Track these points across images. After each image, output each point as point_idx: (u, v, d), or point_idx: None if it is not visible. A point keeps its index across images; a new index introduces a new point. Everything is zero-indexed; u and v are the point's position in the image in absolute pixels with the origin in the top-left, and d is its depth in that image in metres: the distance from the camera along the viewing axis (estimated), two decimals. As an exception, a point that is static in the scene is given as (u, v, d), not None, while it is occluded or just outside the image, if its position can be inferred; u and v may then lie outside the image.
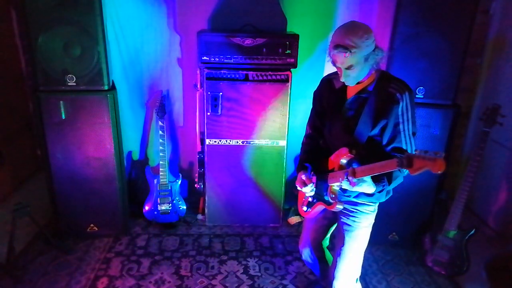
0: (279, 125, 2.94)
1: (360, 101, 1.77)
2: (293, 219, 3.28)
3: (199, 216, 3.32)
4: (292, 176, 3.39)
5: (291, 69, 2.83)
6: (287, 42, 2.75)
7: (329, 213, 1.99)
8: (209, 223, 3.23)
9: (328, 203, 1.84)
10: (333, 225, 2.10)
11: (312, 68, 3.16)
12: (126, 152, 3.28)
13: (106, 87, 2.64)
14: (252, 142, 2.98)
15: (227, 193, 3.12)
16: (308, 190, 1.91)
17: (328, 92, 1.91)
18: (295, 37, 2.77)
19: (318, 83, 2.00)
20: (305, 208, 2.01)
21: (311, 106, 2.05)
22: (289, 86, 2.83)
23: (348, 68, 1.67)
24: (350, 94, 1.81)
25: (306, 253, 2.22)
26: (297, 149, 3.32)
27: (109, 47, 2.71)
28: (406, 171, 1.58)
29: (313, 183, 1.89)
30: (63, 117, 2.64)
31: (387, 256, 2.87)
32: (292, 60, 2.79)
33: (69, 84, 2.58)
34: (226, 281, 2.61)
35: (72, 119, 2.66)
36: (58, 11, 2.42)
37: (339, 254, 1.97)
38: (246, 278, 2.65)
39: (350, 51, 1.60)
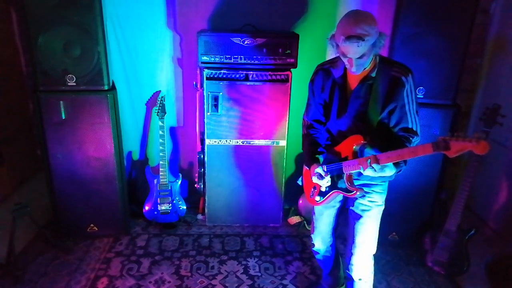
0: (279, 125, 2.94)
1: (366, 88, 1.80)
2: (293, 219, 3.28)
3: (199, 216, 3.32)
4: (292, 176, 3.39)
5: (291, 69, 2.83)
6: (287, 42, 2.75)
7: (340, 196, 2.04)
8: (209, 223, 3.23)
9: (347, 191, 1.88)
10: (343, 206, 2.13)
11: (312, 68, 3.13)
12: (126, 152, 3.28)
13: (106, 87, 2.64)
14: (252, 142, 2.98)
15: (227, 193, 3.12)
16: (325, 182, 1.93)
17: (329, 83, 1.91)
18: (295, 37, 2.77)
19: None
20: (318, 198, 2.03)
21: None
22: (289, 86, 2.83)
23: (361, 57, 1.67)
24: (353, 82, 1.83)
25: (318, 242, 2.24)
26: (297, 149, 3.35)
27: (109, 47, 2.71)
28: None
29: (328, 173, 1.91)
30: (63, 117, 2.64)
31: (387, 256, 2.87)
32: (292, 60, 2.79)
33: (69, 84, 2.58)
34: (226, 281, 2.61)
35: (72, 119, 2.66)
36: (58, 11, 2.42)
37: (356, 232, 2.00)
38: (246, 278, 2.65)
39: (363, 40, 1.60)
